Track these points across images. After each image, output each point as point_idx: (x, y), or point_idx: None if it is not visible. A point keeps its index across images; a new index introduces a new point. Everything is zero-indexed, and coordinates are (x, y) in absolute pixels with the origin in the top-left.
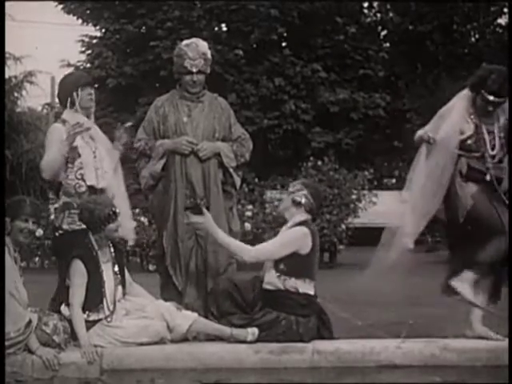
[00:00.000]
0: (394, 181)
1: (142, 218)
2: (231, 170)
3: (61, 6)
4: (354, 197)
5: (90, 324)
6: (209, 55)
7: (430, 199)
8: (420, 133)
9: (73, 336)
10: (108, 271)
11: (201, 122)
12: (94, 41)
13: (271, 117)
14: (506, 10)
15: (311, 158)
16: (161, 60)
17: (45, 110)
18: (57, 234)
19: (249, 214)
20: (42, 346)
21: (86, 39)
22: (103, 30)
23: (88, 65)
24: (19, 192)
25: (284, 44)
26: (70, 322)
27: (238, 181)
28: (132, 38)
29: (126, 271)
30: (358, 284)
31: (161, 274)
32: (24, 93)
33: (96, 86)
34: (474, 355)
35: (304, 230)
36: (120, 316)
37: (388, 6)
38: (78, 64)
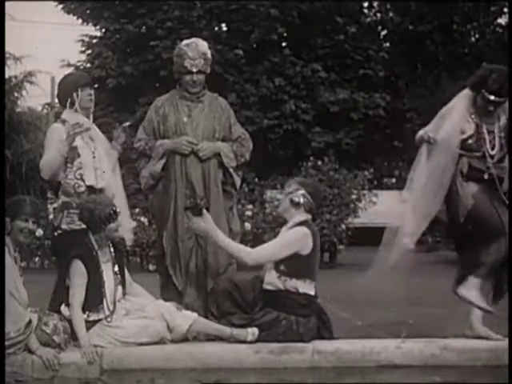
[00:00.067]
0: (394, 180)
1: (142, 218)
2: (231, 170)
3: (61, 5)
4: (353, 197)
5: (90, 324)
6: (209, 55)
7: (431, 199)
8: (421, 133)
9: (73, 336)
10: (108, 271)
11: (201, 122)
12: (94, 41)
13: (271, 117)
14: (506, 9)
15: (311, 158)
16: (161, 60)
17: (45, 110)
18: (56, 233)
19: (249, 213)
20: (42, 346)
21: (86, 39)
22: (103, 30)
23: (88, 65)
24: (19, 192)
25: (284, 44)
26: (70, 322)
27: (238, 181)
28: (132, 38)
29: (126, 271)
30: (358, 284)
31: (161, 274)
32: (24, 93)
33: (96, 86)
34: (474, 355)
35: (304, 230)
36: (120, 316)
37: (388, 6)
38: (78, 64)
